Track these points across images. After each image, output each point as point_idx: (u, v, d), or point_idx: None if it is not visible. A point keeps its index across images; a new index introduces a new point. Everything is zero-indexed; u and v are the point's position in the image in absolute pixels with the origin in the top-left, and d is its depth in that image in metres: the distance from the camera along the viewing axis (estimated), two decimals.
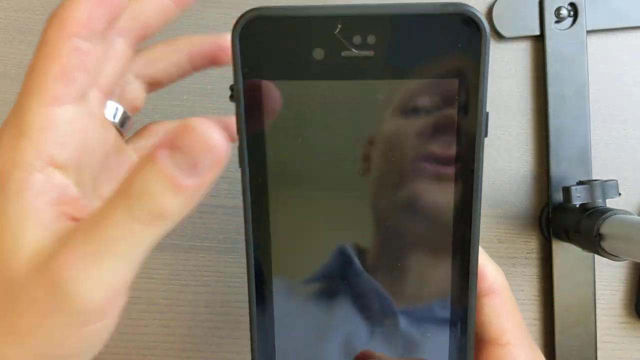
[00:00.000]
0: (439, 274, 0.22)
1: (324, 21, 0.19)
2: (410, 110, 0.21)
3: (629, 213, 0.33)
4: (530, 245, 0.39)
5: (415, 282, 0.23)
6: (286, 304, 0.22)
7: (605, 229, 0.32)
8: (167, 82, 0.27)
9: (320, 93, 0.21)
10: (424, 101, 0.21)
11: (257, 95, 0.20)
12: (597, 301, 0.38)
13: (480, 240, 0.40)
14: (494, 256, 0.38)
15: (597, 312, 0.37)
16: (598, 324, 0.38)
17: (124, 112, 0.25)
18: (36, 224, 0.20)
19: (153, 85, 0.27)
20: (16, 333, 0.20)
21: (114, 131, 0.24)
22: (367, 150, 0.21)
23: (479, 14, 0.19)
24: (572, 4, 0.38)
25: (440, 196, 0.21)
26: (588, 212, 0.34)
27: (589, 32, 0.38)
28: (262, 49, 0.20)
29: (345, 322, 0.23)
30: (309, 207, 0.22)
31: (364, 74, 0.20)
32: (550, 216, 0.37)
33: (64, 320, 0.19)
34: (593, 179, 0.36)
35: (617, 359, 0.38)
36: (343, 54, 0.20)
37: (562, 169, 0.38)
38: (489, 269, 0.25)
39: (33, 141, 0.20)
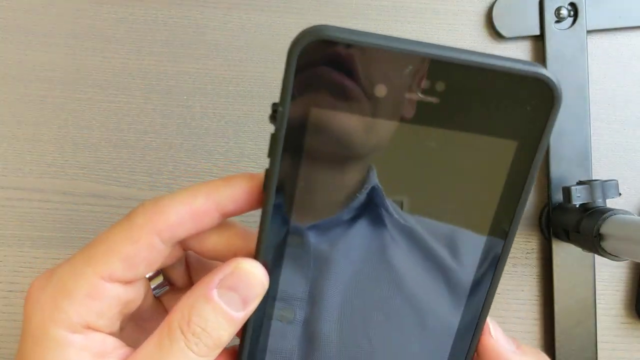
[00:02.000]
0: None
1: (396, 57, 0.17)
2: (458, 164, 0.20)
3: (629, 213, 0.33)
4: (530, 245, 0.39)
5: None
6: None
7: (605, 229, 0.32)
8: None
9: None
10: (475, 157, 0.20)
11: (302, 123, 0.18)
12: (597, 301, 0.38)
13: None
14: None
15: (597, 312, 0.37)
16: (598, 324, 0.38)
17: (162, 282, 0.25)
18: None
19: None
20: None
21: (150, 293, 0.25)
22: (409, 194, 0.21)
23: (555, 81, 0.18)
24: (572, 4, 0.38)
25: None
26: (588, 212, 0.34)
27: (589, 32, 0.38)
28: (320, 74, 0.18)
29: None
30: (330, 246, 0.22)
31: (422, 119, 0.19)
32: (550, 216, 0.37)
33: None
34: (593, 179, 0.36)
35: (617, 359, 0.38)
36: (407, 95, 0.18)
37: (562, 169, 0.38)
38: None
39: (77, 306, 0.20)
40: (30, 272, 0.37)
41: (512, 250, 0.38)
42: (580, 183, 0.35)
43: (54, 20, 0.38)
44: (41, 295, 0.21)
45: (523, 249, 0.39)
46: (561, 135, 0.38)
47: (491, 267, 0.21)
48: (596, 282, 0.38)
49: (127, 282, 0.21)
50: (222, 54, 0.38)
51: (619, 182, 0.34)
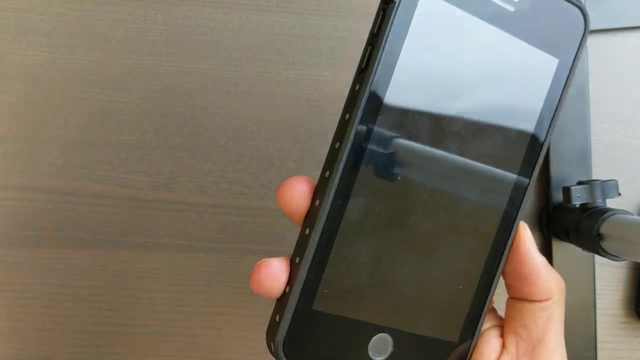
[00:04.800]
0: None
1: None
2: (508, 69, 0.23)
3: (629, 213, 0.33)
4: None
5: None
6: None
7: (605, 229, 0.32)
8: None
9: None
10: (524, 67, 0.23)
11: None
12: (597, 301, 0.38)
13: None
14: None
15: (597, 312, 0.37)
16: (598, 324, 0.38)
17: None
18: None
19: None
20: None
21: None
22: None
23: (585, 9, 0.25)
24: None
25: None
26: (588, 212, 0.34)
27: (589, 32, 0.38)
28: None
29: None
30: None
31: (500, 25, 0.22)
32: (550, 216, 0.37)
33: None
34: (593, 179, 0.36)
35: (617, 359, 0.38)
36: None
37: (562, 169, 0.38)
38: (546, 275, 0.25)
39: None
40: (31, 272, 0.37)
41: None
42: (580, 183, 0.35)
43: (54, 20, 0.38)
44: None
45: None
46: (561, 135, 0.38)
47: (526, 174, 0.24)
48: (596, 282, 0.38)
49: None
50: (222, 54, 0.38)
51: (619, 182, 0.34)
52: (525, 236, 0.25)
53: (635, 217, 0.32)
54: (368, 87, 0.20)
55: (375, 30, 0.21)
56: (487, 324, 0.25)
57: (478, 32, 0.22)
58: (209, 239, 0.38)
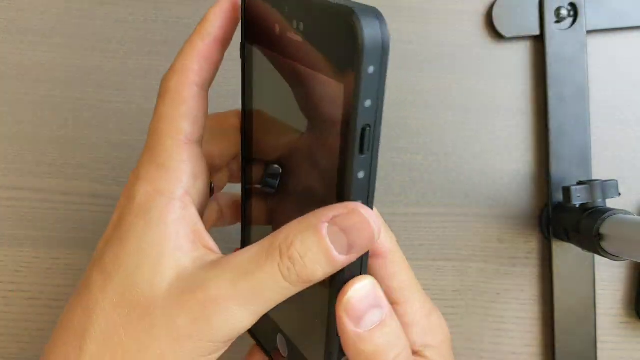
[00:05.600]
0: None
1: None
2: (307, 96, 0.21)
3: (629, 213, 0.33)
4: (530, 245, 0.39)
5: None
6: None
7: (605, 229, 0.32)
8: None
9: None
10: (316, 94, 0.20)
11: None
12: (597, 301, 0.38)
13: (480, 240, 0.40)
14: (494, 256, 0.38)
15: (597, 312, 0.37)
16: (598, 324, 0.38)
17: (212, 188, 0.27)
18: (177, 248, 0.21)
19: None
20: (147, 357, 0.21)
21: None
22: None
23: (361, 22, 0.17)
24: (572, 4, 0.38)
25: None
26: (588, 212, 0.34)
27: (589, 32, 0.38)
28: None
29: None
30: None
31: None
32: (550, 216, 0.37)
33: (196, 348, 0.21)
34: (593, 179, 0.36)
35: (617, 359, 0.38)
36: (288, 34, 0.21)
37: (562, 169, 0.38)
38: None
39: (173, 172, 0.22)
40: (30, 272, 0.37)
41: (512, 250, 0.39)
42: (580, 183, 0.35)
43: (54, 20, 0.38)
44: (141, 170, 0.23)
45: (523, 249, 0.39)
46: (561, 135, 0.38)
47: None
48: (596, 282, 0.38)
49: (199, 141, 0.23)
50: None
51: (619, 182, 0.34)
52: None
53: (635, 217, 0.32)
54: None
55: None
56: None
57: (273, 65, 0.22)
58: None
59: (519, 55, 0.39)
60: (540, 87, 0.39)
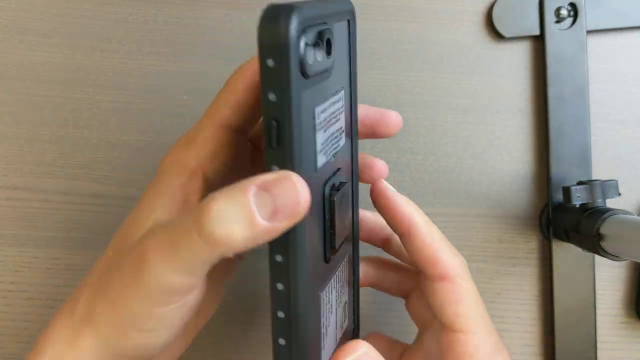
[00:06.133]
0: None
1: None
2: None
3: (629, 213, 0.33)
4: (530, 245, 0.39)
5: None
6: None
7: (605, 229, 0.32)
8: None
9: None
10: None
11: None
12: (597, 301, 0.38)
13: (480, 240, 0.40)
14: (494, 256, 0.38)
15: (597, 312, 0.37)
16: (598, 324, 0.38)
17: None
18: (162, 206, 0.23)
19: None
20: (108, 295, 0.23)
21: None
22: None
23: (263, 16, 0.18)
24: (572, 4, 0.38)
25: None
26: (588, 212, 0.34)
27: (589, 32, 0.38)
28: None
29: None
30: None
31: None
32: (550, 216, 0.37)
33: (140, 295, 0.21)
34: (593, 179, 0.36)
35: (617, 358, 0.38)
36: None
37: (562, 169, 0.38)
38: (444, 255, 0.26)
39: (195, 148, 0.24)
40: (30, 272, 0.37)
41: (512, 250, 0.39)
42: (580, 183, 0.35)
43: (54, 20, 0.38)
44: (176, 142, 0.25)
45: (523, 249, 0.39)
46: (561, 135, 0.38)
47: None
48: (596, 282, 0.38)
49: (237, 128, 0.25)
50: (222, 54, 0.38)
51: (619, 182, 0.34)
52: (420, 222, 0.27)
53: (635, 217, 0.32)
54: None
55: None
56: None
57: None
58: None
59: (519, 55, 0.39)
60: (540, 87, 0.39)
